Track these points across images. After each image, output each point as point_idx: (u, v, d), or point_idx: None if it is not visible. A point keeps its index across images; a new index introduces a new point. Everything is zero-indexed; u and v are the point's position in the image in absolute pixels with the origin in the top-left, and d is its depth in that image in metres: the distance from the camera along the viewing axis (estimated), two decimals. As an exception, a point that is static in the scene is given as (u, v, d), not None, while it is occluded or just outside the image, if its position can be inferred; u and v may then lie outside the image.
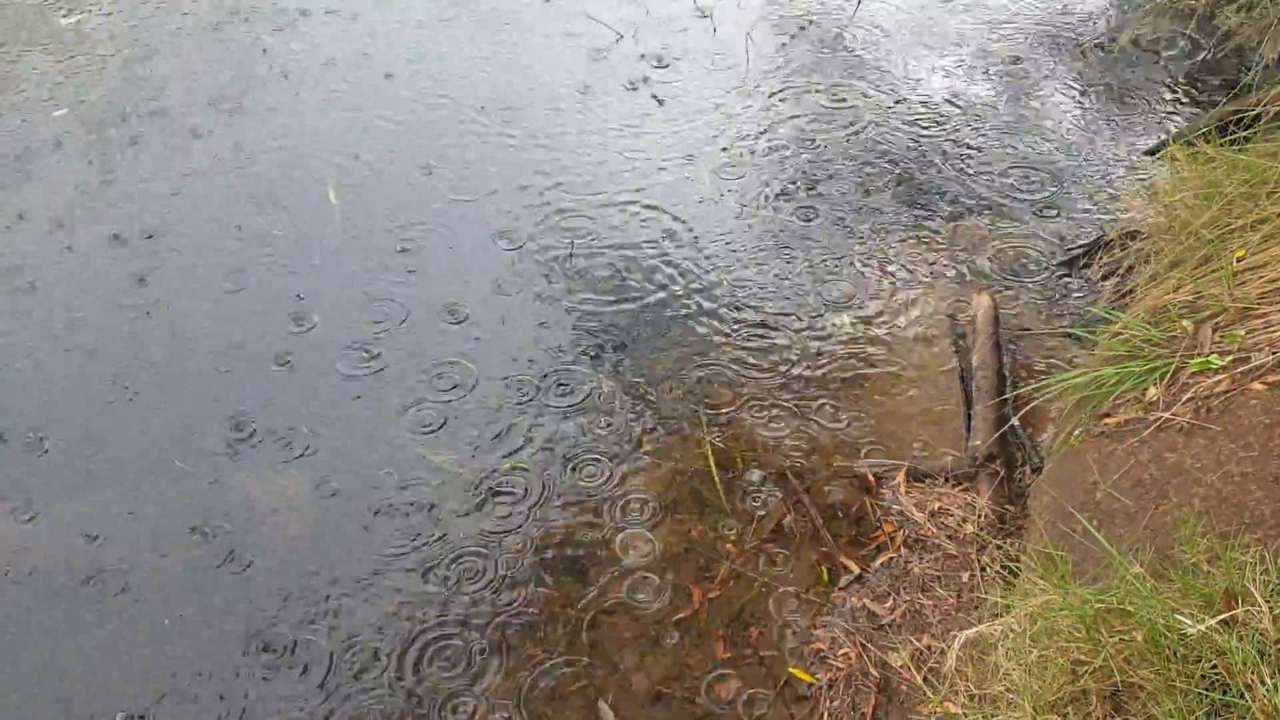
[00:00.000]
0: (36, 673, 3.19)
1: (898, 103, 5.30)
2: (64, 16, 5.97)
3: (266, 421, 3.85)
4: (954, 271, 4.37)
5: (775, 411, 3.85)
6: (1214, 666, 2.12)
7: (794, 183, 4.83)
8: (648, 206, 4.73)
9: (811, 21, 5.93)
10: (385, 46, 5.79)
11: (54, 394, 3.97)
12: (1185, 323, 3.24)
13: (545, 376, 3.99)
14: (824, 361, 4.02)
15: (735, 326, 4.17)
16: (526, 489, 3.63)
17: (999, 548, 3.28)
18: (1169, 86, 5.33)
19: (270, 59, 5.70)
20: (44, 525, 3.55)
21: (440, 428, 3.82)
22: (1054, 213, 4.61)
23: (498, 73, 5.58)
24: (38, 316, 4.26)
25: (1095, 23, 5.84)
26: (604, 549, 3.45)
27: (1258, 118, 4.03)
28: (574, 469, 3.68)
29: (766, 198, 4.76)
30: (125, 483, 3.67)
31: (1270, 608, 2.15)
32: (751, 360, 4.03)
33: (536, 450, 3.75)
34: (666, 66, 5.59)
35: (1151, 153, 4.84)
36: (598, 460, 3.71)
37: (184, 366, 4.06)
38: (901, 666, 3.05)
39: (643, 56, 5.67)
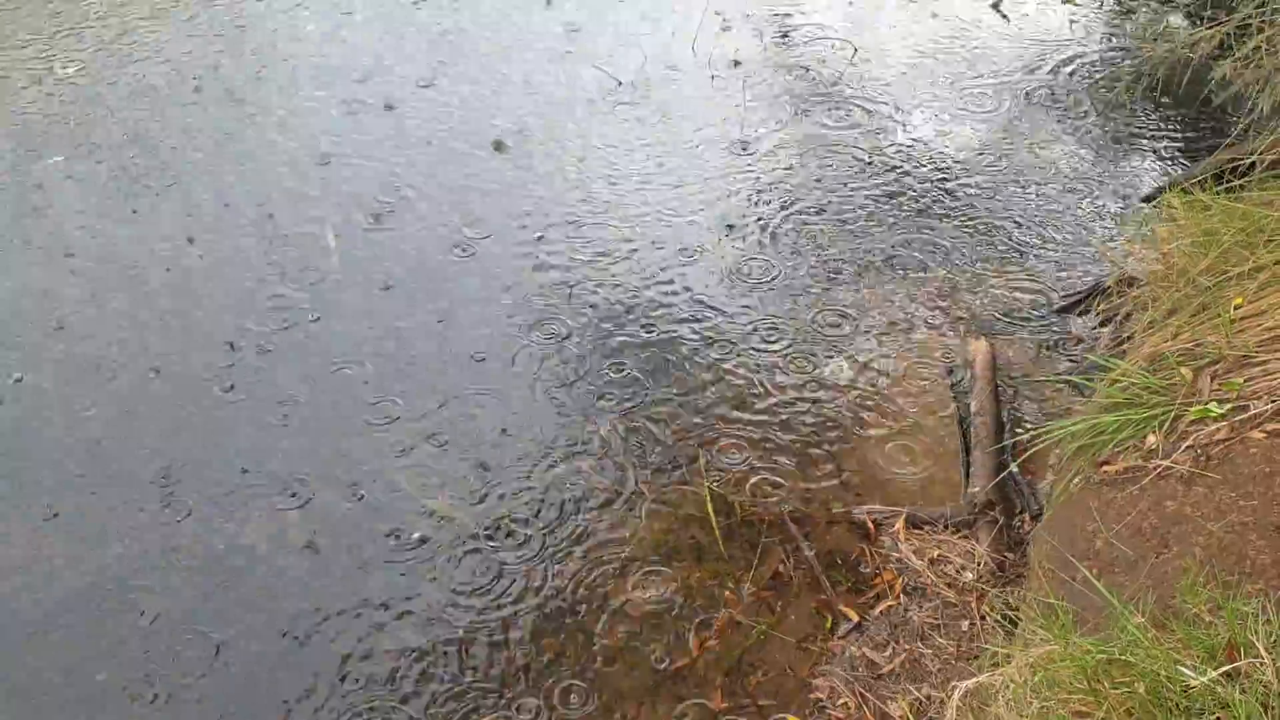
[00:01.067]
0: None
1: (895, 147, 5.33)
2: (62, 67, 6.02)
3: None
4: (951, 316, 4.38)
5: (774, 457, 3.84)
6: (1217, 719, 2.10)
7: (791, 228, 4.85)
8: (647, 246, 4.74)
9: (808, 69, 5.98)
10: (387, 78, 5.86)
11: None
12: (1184, 370, 3.23)
13: (544, 420, 3.99)
14: (823, 406, 4.02)
15: (734, 370, 4.16)
16: (524, 535, 3.61)
17: (999, 596, 3.26)
18: (1166, 134, 5.37)
19: (269, 112, 5.74)
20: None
21: (434, 466, 3.81)
22: (1051, 259, 4.63)
23: (504, 104, 5.63)
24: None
25: (1092, 71, 5.89)
26: (602, 596, 3.42)
27: (1253, 166, 4.05)
28: (572, 514, 3.66)
29: (764, 242, 4.77)
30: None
31: (1274, 660, 2.13)
32: (751, 405, 4.03)
33: (534, 495, 3.73)
34: (668, 103, 5.64)
35: (1148, 199, 4.86)
36: (595, 506, 3.69)
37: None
38: (901, 716, 3.01)
39: (640, 101, 5.71)
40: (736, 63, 6.01)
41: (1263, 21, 4.16)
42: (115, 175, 5.19)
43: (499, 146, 5.39)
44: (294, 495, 3.73)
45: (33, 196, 5.07)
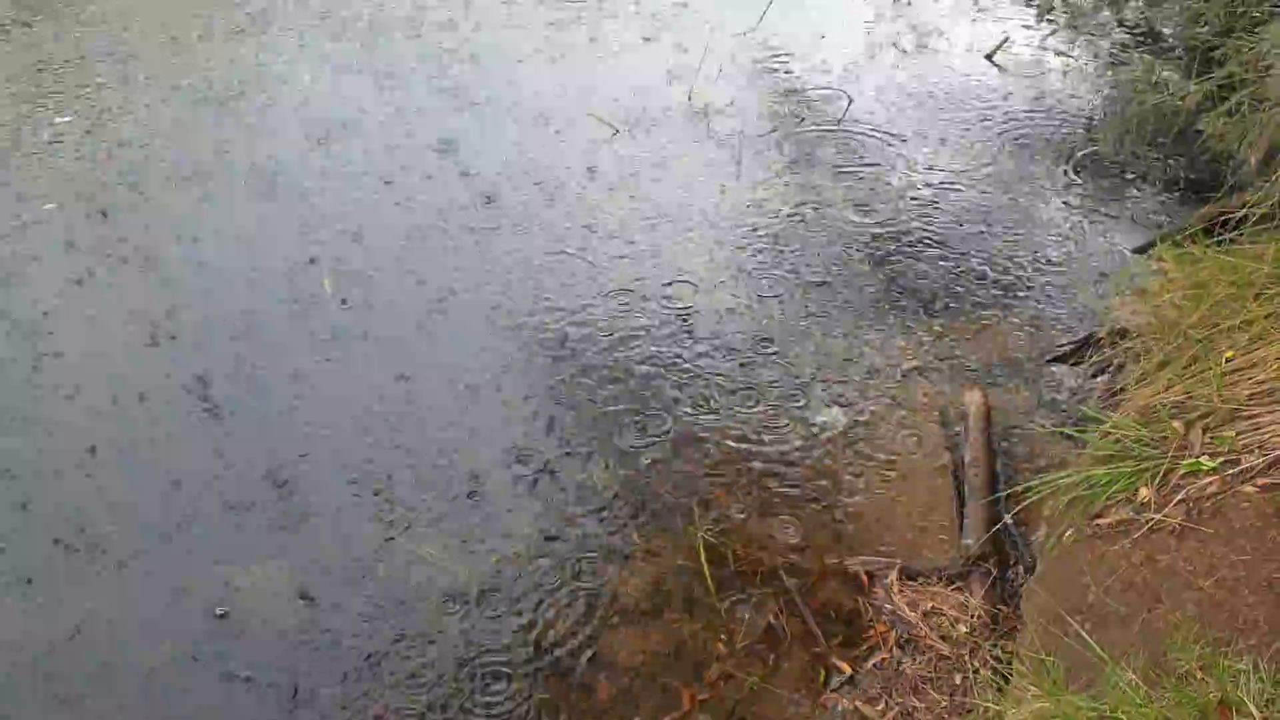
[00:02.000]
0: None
1: (888, 196, 5.38)
2: (58, 116, 6.05)
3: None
4: (945, 367, 4.39)
5: (768, 507, 3.84)
6: (1208, 780, 2.09)
7: (785, 278, 4.87)
8: (642, 297, 4.76)
9: (803, 119, 6.03)
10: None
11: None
12: (1175, 423, 3.25)
13: (535, 467, 3.99)
14: (817, 457, 4.02)
15: (727, 420, 4.17)
16: (514, 583, 3.60)
17: (992, 649, 3.24)
18: (1157, 184, 5.41)
19: (260, 152, 5.79)
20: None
21: (425, 524, 3.80)
22: (1044, 308, 4.65)
23: (503, 157, 5.67)
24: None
25: (1085, 121, 5.95)
26: (593, 648, 3.41)
27: (1244, 219, 4.08)
28: (562, 565, 3.65)
29: (758, 292, 4.79)
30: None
31: (1264, 719, 2.13)
32: (744, 455, 4.03)
33: (525, 544, 3.72)
34: (663, 152, 5.68)
35: (1140, 250, 4.89)
36: (587, 556, 3.68)
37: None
38: (894, 772, 3.00)
39: (636, 150, 5.76)
40: (729, 109, 6.07)
41: (1255, 75, 4.20)
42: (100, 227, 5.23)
43: (489, 198, 5.43)
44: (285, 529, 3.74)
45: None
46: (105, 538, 3.75)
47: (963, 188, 5.45)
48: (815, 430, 4.13)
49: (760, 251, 5.04)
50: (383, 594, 3.57)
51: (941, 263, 4.95)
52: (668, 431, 4.14)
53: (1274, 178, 3.88)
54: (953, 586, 3.52)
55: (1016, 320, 4.61)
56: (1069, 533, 3.29)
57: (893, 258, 4.99)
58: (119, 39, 6.78)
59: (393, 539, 3.74)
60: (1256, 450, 3.04)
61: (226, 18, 7.04)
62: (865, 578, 3.59)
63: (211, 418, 4.19)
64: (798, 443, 4.08)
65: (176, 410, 4.23)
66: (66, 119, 6.02)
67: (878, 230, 5.16)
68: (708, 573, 3.59)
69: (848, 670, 3.31)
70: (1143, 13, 6.88)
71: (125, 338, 4.57)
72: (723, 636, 3.43)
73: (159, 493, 3.91)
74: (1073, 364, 4.34)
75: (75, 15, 7.05)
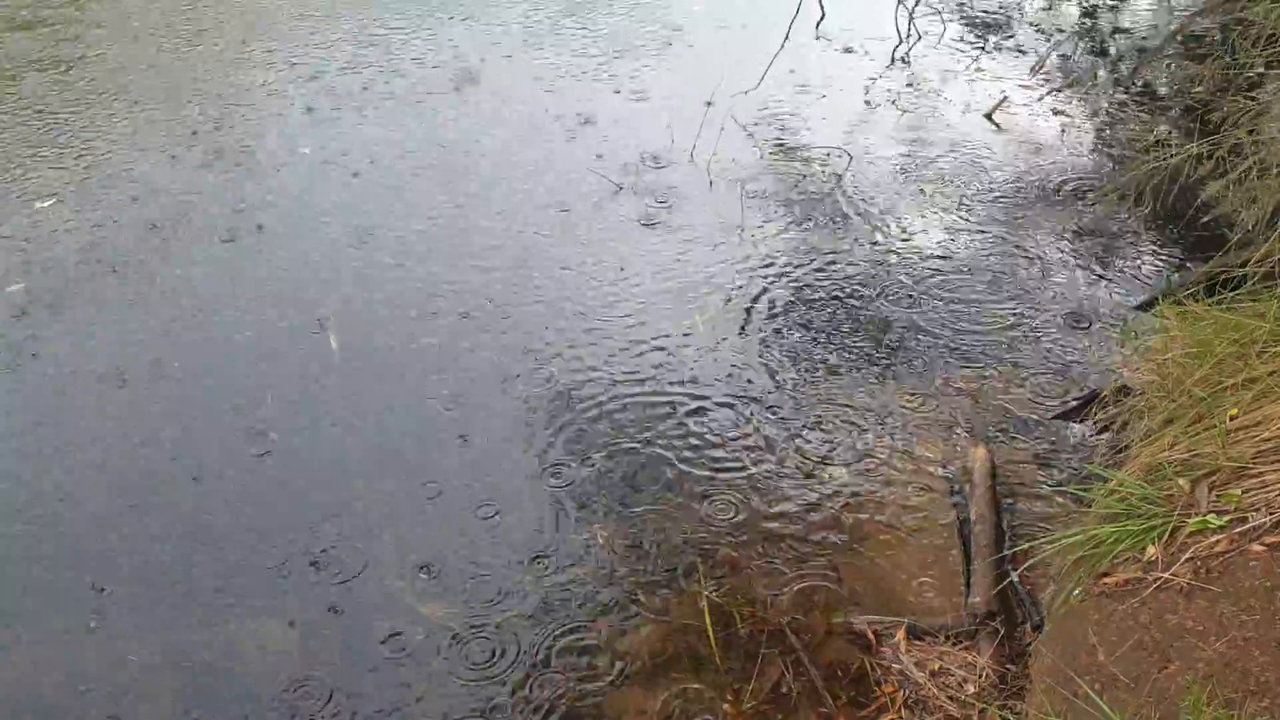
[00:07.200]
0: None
1: (889, 254, 5.41)
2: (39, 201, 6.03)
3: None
4: (949, 423, 4.39)
5: (773, 565, 3.82)
6: (1224, 846, 2.07)
7: (787, 334, 4.89)
8: (642, 354, 4.78)
9: (805, 176, 6.09)
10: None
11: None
12: (1181, 481, 3.24)
13: (535, 527, 3.98)
14: (822, 514, 4.01)
15: (731, 479, 4.16)
16: (515, 645, 3.57)
17: (1000, 710, 3.22)
18: (1158, 242, 5.45)
19: (250, 232, 5.83)
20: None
21: (431, 579, 3.79)
22: (1048, 365, 4.66)
23: (495, 218, 5.72)
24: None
25: (1083, 179, 6.01)
26: (595, 710, 3.38)
27: (1245, 277, 4.11)
28: (565, 624, 3.63)
29: (759, 348, 4.81)
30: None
31: (1279, 783, 2.11)
32: (748, 513, 4.02)
33: (526, 603, 3.70)
34: (665, 208, 5.72)
35: (1143, 308, 4.92)
36: (590, 615, 3.66)
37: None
38: (904, 836, 2.96)
39: (639, 207, 5.81)
40: (730, 166, 6.13)
41: (1255, 141, 4.25)
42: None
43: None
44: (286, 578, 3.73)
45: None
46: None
47: (963, 245, 5.49)
48: (819, 487, 4.12)
49: (761, 308, 5.06)
50: (386, 653, 3.55)
51: (944, 319, 4.97)
52: (669, 489, 4.13)
53: (1274, 236, 3.92)
54: (960, 646, 3.50)
55: (1020, 377, 4.62)
56: (1076, 592, 3.27)
57: (895, 314, 5.01)
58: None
59: (394, 594, 3.73)
60: (1263, 508, 3.03)
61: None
62: (873, 636, 3.56)
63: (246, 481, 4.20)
64: (802, 500, 4.07)
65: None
66: (47, 203, 5.95)
67: (880, 288, 5.19)
68: (713, 632, 3.57)
69: (856, 731, 3.29)
70: (1139, 72, 6.98)
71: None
72: (729, 696, 3.40)
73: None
74: (1078, 421, 4.35)
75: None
